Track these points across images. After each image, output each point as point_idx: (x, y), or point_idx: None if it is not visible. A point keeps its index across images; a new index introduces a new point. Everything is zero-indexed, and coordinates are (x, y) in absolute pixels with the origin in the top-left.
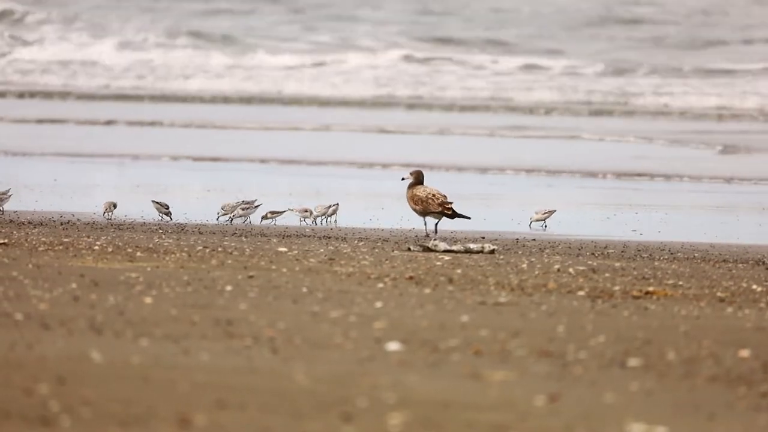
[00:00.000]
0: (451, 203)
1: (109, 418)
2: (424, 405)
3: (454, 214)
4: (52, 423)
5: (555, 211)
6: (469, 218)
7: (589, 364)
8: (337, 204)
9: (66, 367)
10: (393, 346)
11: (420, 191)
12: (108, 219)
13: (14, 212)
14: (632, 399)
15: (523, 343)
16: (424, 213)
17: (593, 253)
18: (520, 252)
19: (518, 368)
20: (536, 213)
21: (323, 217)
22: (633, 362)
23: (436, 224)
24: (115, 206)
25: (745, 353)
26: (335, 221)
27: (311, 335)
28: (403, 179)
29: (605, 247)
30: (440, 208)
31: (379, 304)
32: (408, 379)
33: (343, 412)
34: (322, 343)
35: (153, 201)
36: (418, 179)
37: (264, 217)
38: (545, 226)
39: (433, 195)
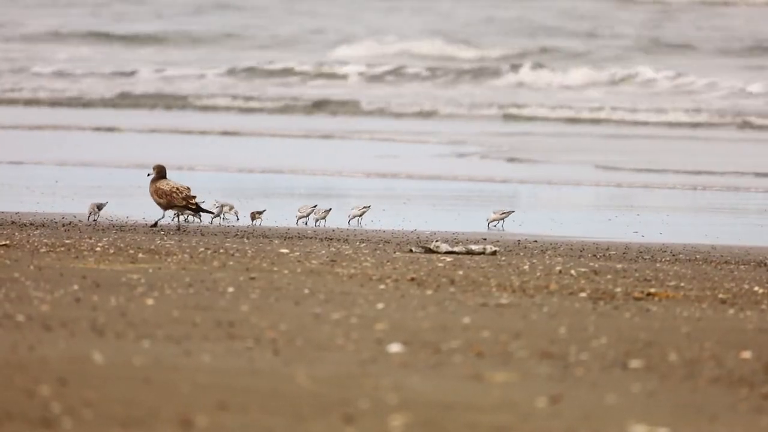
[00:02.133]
0: (194, 197)
1: (111, 419)
2: (426, 406)
3: (198, 209)
4: (54, 424)
5: (513, 211)
6: (213, 213)
7: (591, 365)
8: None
9: (67, 369)
10: (394, 347)
11: (164, 185)
12: (94, 221)
13: (16, 214)
14: (634, 400)
15: (525, 344)
16: (167, 206)
17: (595, 255)
18: (521, 253)
19: (520, 369)
20: (493, 213)
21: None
22: (635, 364)
23: (178, 216)
24: (100, 207)
25: (746, 355)
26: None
27: (313, 337)
28: (149, 175)
29: (607, 249)
30: (184, 202)
31: (380, 306)
32: (409, 380)
33: (344, 413)
34: (323, 345)
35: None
36: (161, 173)
37: (253, 218)
38: (501, 226)
39: (177, 188)
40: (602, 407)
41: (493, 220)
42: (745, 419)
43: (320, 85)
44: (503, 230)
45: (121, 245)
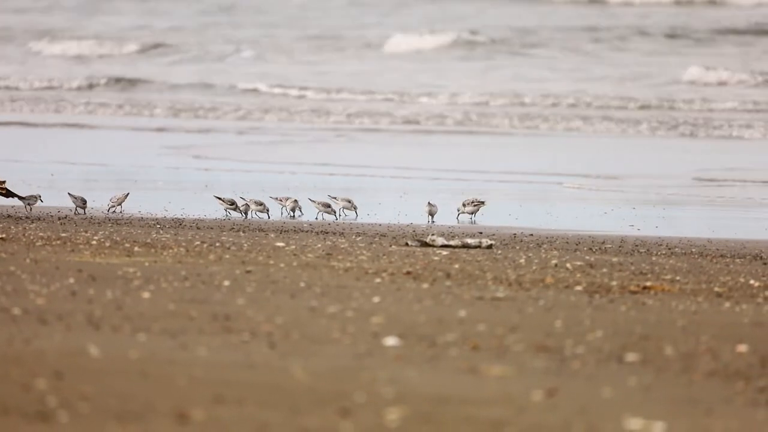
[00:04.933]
0: (4, 182)
1: (107, 412)
2: (422, 400)
3: (8, 194)
4: (50, 418)
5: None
6: (23, 197)
7: (587, 359)
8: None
9: (64, 362)
10: (391, 341)
11: None
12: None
13: (12, 207)
14: (630, 394)
15: (521, 338)
16: None
17: (591, 248)
18: (517, 247)
19: (516, 363)
20: (465, 204)
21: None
22: (631, 357)
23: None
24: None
25: (742, 348)
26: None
27: (309, 330)
28: None
29: (603, 242)
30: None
31: (376, 299)
32: (406, 374)
33: (340, 407)
34: (319, 338)
35: (241, 198)
36: None
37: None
38: (473, 218)
39: None
40: (598, 401)
41: (463, 213)
42: (740, 413)
43: None
44: (474, 223)
45: (117, 239)
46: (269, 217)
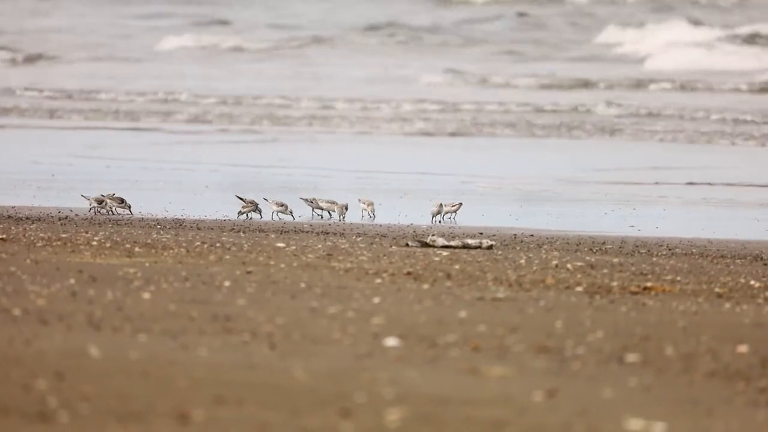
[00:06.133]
0: None
1: (108, 413)
2: (423, 400)
3: None
4: (51, 419)
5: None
6: None
7: (588, 359)
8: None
9: (64, 363)
10: (391, 341)
11: None
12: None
13: (12, 208)
14: (630, 394)
15: (521, 338)
16: None
17: (591, 249)
18: (518, 248)
19: (516, 364)
20: (444, 206)
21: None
22: (631, 358)
23: None
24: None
25: (743, 349)
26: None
27: (309, 331)
28: None
29: (603, 243)
30: None
31: (377, 300)
32: (406, 374)
33: (341, 407)
34: (320, 339)
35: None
36: None
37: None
38: (453, 219)
39: None
40: (599, 401)
41: (446, 213)
42: (741, 413)
43: None
44: (455, 224)
45: (118, 239)
46: (294, 218)
